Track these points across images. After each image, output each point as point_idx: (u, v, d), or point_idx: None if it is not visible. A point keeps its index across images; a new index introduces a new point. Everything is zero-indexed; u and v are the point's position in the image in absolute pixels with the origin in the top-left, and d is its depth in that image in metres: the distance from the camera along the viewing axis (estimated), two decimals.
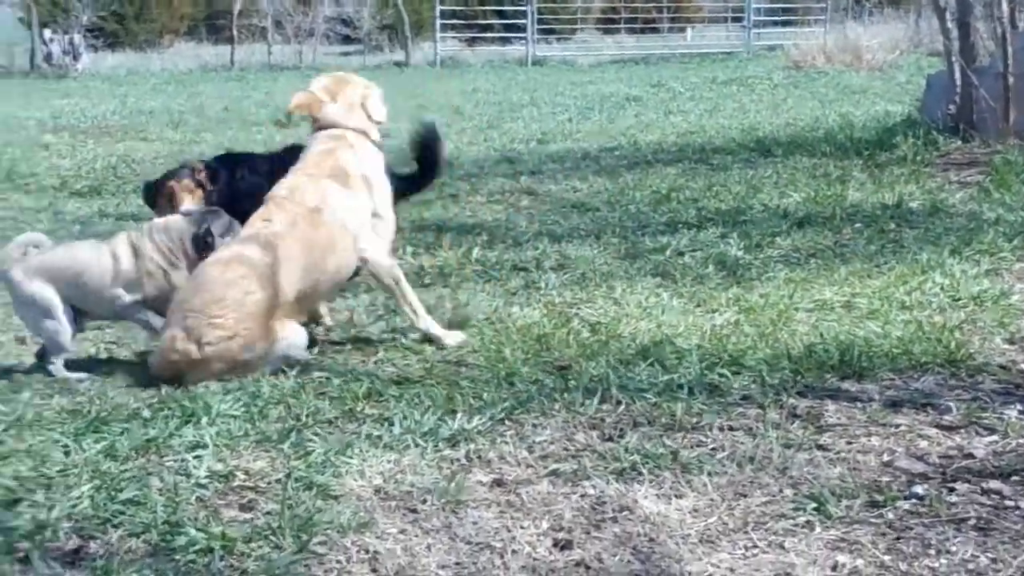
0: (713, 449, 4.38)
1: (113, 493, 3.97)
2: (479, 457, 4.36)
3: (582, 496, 4.01)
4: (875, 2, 42.42)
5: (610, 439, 4.51)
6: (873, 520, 3.76)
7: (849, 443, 4.43)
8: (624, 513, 3.85)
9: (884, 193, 9.66)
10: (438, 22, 40.01)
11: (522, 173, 12.11)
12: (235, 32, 39.71)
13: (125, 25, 48.41)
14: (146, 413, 4.81)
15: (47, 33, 36.70)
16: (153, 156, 14.17)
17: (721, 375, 5.10)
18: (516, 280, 7.24)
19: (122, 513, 3.84)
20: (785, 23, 43.66)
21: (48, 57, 35.71)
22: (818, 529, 3.72)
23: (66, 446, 4.44)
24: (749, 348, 5.49)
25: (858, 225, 8.49)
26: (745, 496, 3.98)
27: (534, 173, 12.09)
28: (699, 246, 7.99)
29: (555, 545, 3.67)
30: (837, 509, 3.82)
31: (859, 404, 4.81)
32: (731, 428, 4.58)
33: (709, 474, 4.14)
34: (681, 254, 7.80)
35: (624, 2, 48.03)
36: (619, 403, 4.84)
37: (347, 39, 45.75)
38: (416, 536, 3.72)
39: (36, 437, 4.57)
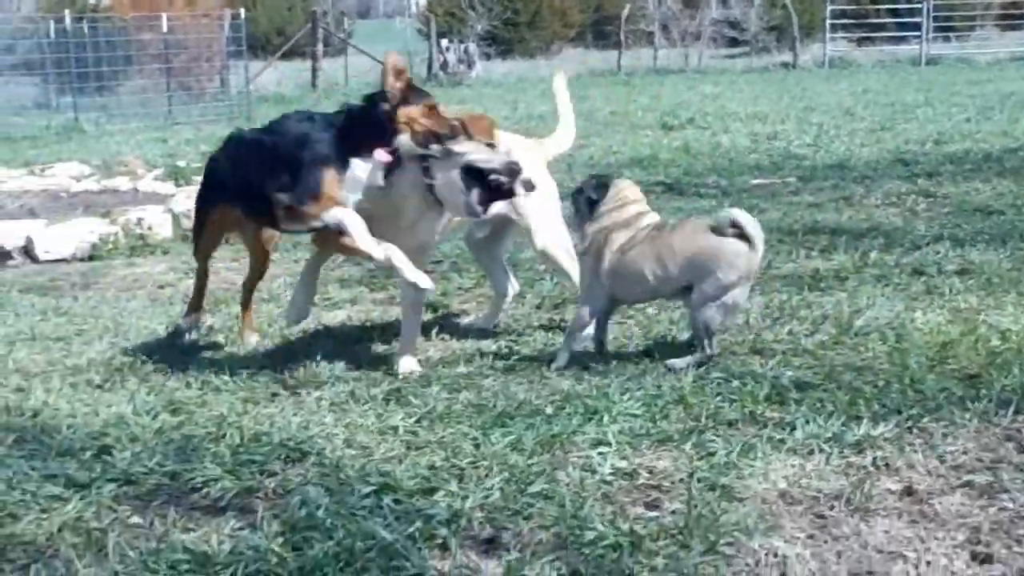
0: None
1: (522, 486, 4.08)
2: (887, 465, 4.24)
3: (1000, 509, 3.83)
4: None
5: None
6: None
7: None
8: None
9: None
10: (828, 22, 39.27)
11: (918, 175, 11.72)
12: (623, 37, 40.18)
13: (518, 33, 49.87)
14: (549, 410, 4.91)
15: (444, 43, 38.25)
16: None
17: None
18: (917, 285, 6.99)
19: (531, 506, 3.93)
20: None
21: (444, 65, 37.20)
22: None
23: (475, 439, 4.59)
24: None
25: None
26: None
27: (931, 175, 11.68)
28: None
29: (973, 559, 3.52)
30: None
31: None
32: None
33: None
34: None
35: None
36: None
37: (733, 41, 45.53)
38: (825, 542, 3.65)
39: (447, 429, 4.75)
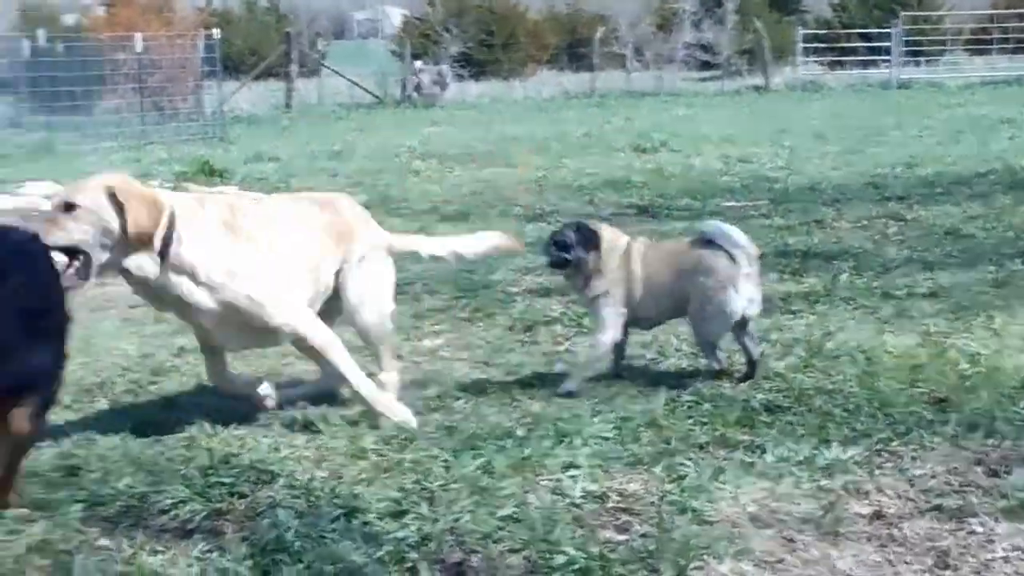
0: None
1: (492, 509, 4.07)
2: (856, 489, 4.25)
3: (969, 533, 3.85)
4: None
5: (996, 475, 4.33)
6: None
7: None
8: (1016, 554, 3.67)
9: None
10: (799, 45, 39.46)
11: (889, 198, 11.78)
12: (596, 59, 40.34)
13: (492, 54, 49.89)
14: (520, 432, 4.91)
15: (417, 64, 38.23)
16: (517, 182, 14.50)
17: None
18: (887, 308, 7.02)
19: (501, 529, 3.93)
20: None
21: (418, 87, 37.15)
22: None
23: (446, 462, 4.58)
24: None
25: None
26: None
27: (902, 198, 11.74)
28: None
29: None
30: None
31: None
32: None
33: None
34: None
35: (996, 22, 46.16)
36: (1004, 438, 4.64)
37: (706, 64, 45.67)
38: (795, 567, 3.66)
39: (417, 452, 4.74)
